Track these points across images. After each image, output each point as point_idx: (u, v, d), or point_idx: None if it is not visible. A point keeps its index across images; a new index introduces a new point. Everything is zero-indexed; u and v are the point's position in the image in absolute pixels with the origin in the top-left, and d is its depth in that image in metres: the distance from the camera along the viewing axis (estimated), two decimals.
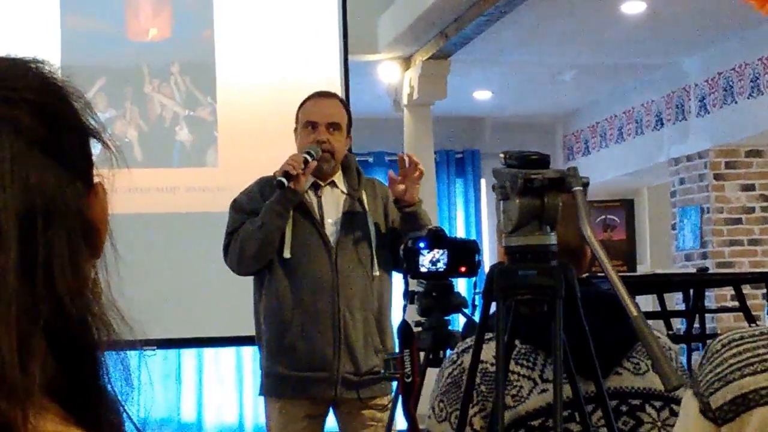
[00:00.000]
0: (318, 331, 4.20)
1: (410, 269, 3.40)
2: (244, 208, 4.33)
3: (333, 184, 4.36)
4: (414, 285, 3.56)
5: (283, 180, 4.12)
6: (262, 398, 4.40)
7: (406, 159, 4.32)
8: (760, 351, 1.76)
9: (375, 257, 4.25)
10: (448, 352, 3.28)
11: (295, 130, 4.45)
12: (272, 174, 4.35)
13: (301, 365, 4.20)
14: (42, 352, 0.88)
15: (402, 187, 4.26)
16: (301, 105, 4.45)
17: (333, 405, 4.30)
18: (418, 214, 4.25)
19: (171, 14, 7.10)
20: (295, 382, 4.21)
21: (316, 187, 4.32)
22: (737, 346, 1.78)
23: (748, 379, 1.74)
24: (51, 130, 0.93)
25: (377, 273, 4.25)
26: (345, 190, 4.34)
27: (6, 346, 0.86)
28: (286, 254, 4.23)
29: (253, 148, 7.02)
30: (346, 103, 4.50)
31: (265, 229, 4.19)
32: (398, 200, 4.27)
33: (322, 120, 4.32)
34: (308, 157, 4.17)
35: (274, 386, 4.30)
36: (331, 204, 4.33)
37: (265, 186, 4.33)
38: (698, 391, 1.78)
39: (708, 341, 1.86)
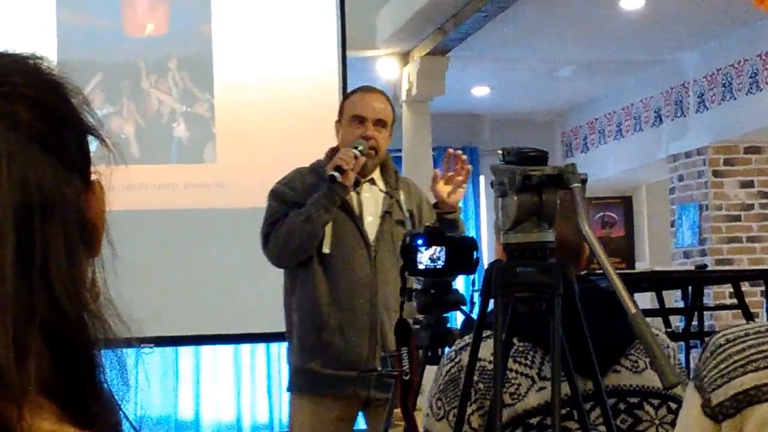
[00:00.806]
0: (355, 330, 4.14)
1: (408, 266, 3.39)
2: (285, 199, 4.26)
3: (372, 181, 4.31)
4: (412, 282, 3.55)
5: (336, 174, 4.06)
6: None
7: (454, 155, 4.26)
8: (764, 347, 1.75)
9: None
10: (447, 349, 3.28)
11: (338, 122, 4.37)
12: (308, 165, 4.32)
13: (336, 363, 4.14)
14: (38, 350, 0.88)
15: (448, 187, 4.21)
16: (347, 97, 4.40)
17: (364, 405, 4.25)
18: (458, 222, 4.22)
19: (168, 9, 7.10)
20: (330, 380, 4.15)
21: (355, 184, 4.25)
22: (742, 342, 1.77)
23: (750, 376, 1.73)
24: (49, 126, 0.93)
25: None
26: (383, 189, 4.30)
27: (2, 344, 0.86)
28: (326, 249, 4.18)
29: (251, 144, 7.02)
30: (390, 99, 4.44)
31: (311, 222, 4.12)
32: (439, 205, 4.22)
33: (371, 115, 4.27)
34: (357, 153, 4.14)
35: (306, 383, 4.23)
36: (370, 202, 4.29)
37: (305, 177, 4.27)
38: (701, 386, 1.78)
39: (707, 337, 1.86)
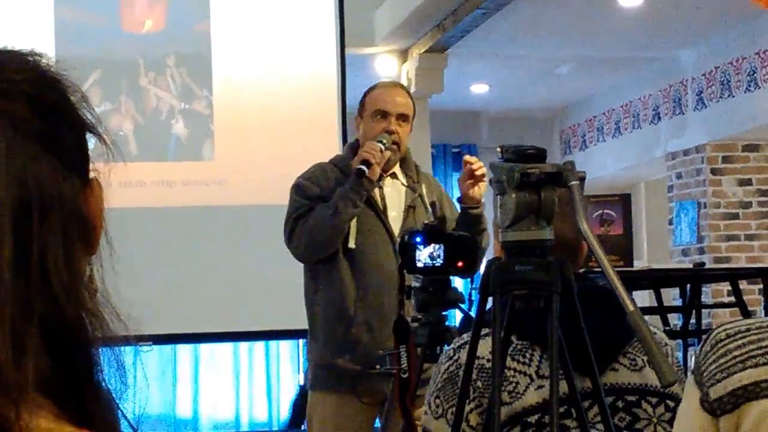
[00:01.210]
0: (382, 326, 4.09)
1: (406, 264, 3.39)
2: (309, 194, 4.23)
3: (393, 175, 4.30)
4: (411, 280, 3.55)
5: (364, 168, 4.04)
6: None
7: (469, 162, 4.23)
8: (764, 343, 1.75)
9: None
10: (445, 347, 3.28)
11: (359, 117, 4.35)
12: (329, 160, 4.31)
13: (363, 360, 4.10)
14: (36, 347, 0.88)
15: (471, 181, 4.19)
16: (368, 93, 4.37)
17: (383, 401, 4.21)
18: (480, 219, 4.21)
19: (166, 6, 7.09)
20: (356, 376, 4.11)
21: (377, 178, 4.23)
22: (742, 337, 1.77)
23: (749, 372, 1.73)
24: (47, 124, 0.93)
25: None
26: (405, 183, 4.29)
27: (0, 342, 0.86)
28: (351, 244, 4.16)
29: (249, 141, 7.02)
30: (410, 93, 4.44)
31: (338, 217, 4.09)
32: (464, 200, 4.20)
33: (394, 110, 4.26)
34: (382, 147, 4.13)
35: (331, 379, 4.19)
36: (394, 196, 4.27)
37: (328, 171, 4.26)
38: (700, 380, 1.78)
39: (709, 330, 1.85)
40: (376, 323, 4.13)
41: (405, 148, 4.30)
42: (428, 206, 4.25)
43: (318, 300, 4.24)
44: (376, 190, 4.24)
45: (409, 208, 4.25)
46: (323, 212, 4.13)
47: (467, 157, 4.24)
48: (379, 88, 4.38)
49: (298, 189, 4.28)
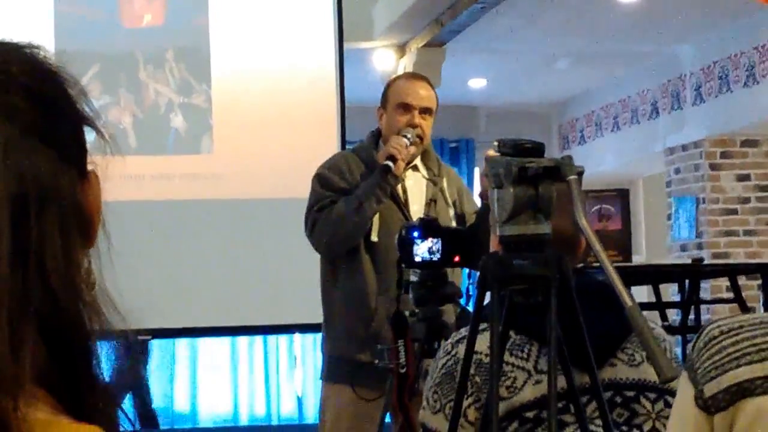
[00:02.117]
0: None
1: (404, 259, 3.39)
2: (332, 186, 4.20)
3: (415, 168, 4.27)
4: (408, 274, 3.55)
5: (391, 164, 4.02)
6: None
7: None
8: (758, 340, 1.75)
9: None
10: (443, 342, 3.28)
11: (382, 108, 4.32)
12: (351, 150, 4.29)
13: (384, 353, 4.10)
14: (33, 340, 0.88)
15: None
16: (390, 85, 4.35)
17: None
18: None
19: (165, 0, 7.09)
20: (375, 370, 4.10)
21: None
22: (736, 334, 1.77)
23: (744, 369, 1.73)
24: (45, 116, 0.93)
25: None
26: (426, 176, 4.27)
27: None
28: (374, 238, 4.12)
29: (248, 135, 7.01)
30: (433, 85, 4.40)
31: (362, 212, 4.06)
32: (482, 195, 4.19)
33: (418, 103, 4.24)
34: (407, 141, 4.11)
35: (348, 373, 4.15)
36: (415, 189, 4.25)
37: (351, 161, 4.23)
38: (694, 377, 1.78)
39: (702, 327, 1.85)
40: None
41: (428, 141, 4.28)
42: (449, 200, 4.23)
43: (337, 293, 4.21)
44: (398, 184, 4.21)
45: (431, 202, 4.22)
46: (347, 206, 4.10)
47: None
48: (403, 80, 4.36)
49: (320, 179, 4.24)
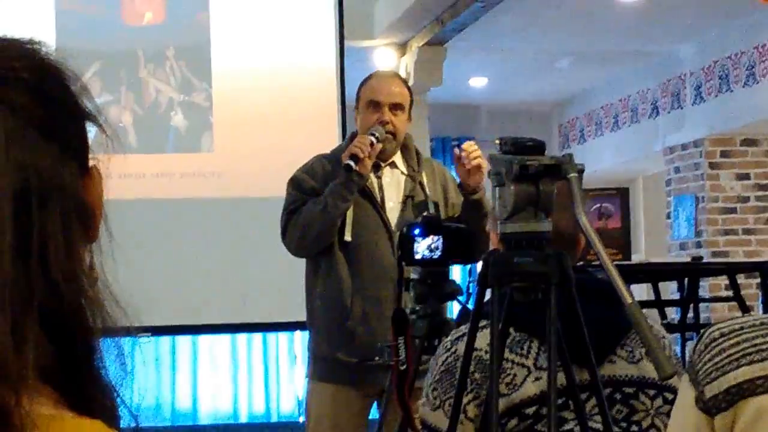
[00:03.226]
0: (379, 318, 4.08)
1: (404, 256, 3.39)
2: (304, 187, 4.22)
3: (393, 164, 4.27)
4: (409, 272, 3.55)
5: (352, 163, 4.02)
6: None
7: (462, 153, 4.20)
8: (758, 341, 1.75)
9: None
10: (443, 339, 3.28)
11: (356, 108, 4.32)
12: (329, 151, 4.31)
13: (360, 352, 4.10)
14: (36, 335, 0.88)
15: (465, 170, 4.16)
16: (363, 84, 4.34)
17: (380, 393, 4.22)
18: (481, 204, 4.18)
19: None
20: (353, 368, 4.12)
21: (376, 168, 4.21)
22: (736, 336, 1.77)
23: (744, 369, 1.73)
24: (47, 111, 0.93)
25: None
26: (405, 171, 4.26)
27: (0, 329, 0.86)
28: (348, 237, 4.14)
29: (248, 133, 7.01)
30: (407, 83, 4.40)
31: (328, 212, 4.08)
32: (463, 186, 4.19)
33: (386, 100, 4.22)
34: (374, 140, 4.11)
35: (327, 371, 4.20)
36: (392, 186, 4.25)
37: (326, 164, 4.24)
38: (695, 379, 1.78)
39: (703, 329, 1.86)
40: (373, 315, 4.12)
41: (402, 137, 4.27)
42: (428, 195, 4.23)
43: (317, 293, 4.23)
44: (375, 181, 4.22)
45: (407, 198, 4.22)
46: (314, 207, 4.13)
47: (464, 145, 4.22)
48: (373, 79, 4.36)
49: (293, 182, 4.27)
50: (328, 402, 4.21)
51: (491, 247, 2.49)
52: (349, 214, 4.14)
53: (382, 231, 4.18)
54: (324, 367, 4.23)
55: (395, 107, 4.22)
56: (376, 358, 4.02)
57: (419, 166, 4.27)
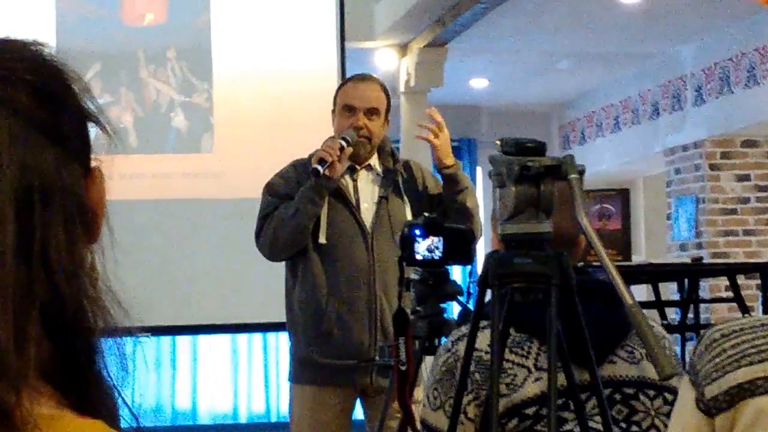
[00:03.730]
0: (354, 319, 4.13)
1: (405, 257, 3.40)
2: (278, 192, 4.26)
3: (369, 167, 4.29)
4: (410, 272, 3.55)
5: (318, 168, 4.04)
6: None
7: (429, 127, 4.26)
8: (758, 342, 1.76)
9: None
10: (443, 340, 3.28)
11: (333, 111, 4.36)
12: (307, 156, 4.33)
13: (336, 353, 4.14)
14: (38, 335, 0.88)
15: (428, 137, 4.21)
16: (340, 87, 4.38)
17: (363, 393, 4.26)
18: (457, 177, 4.21)
19: None
20: (330, 369, 4.15)
21: (351, 171, 4.25)
22: (736, 337, 1.77)
23: (744, 370, 1.74)
24: (49, 112, 0.93)
25: None
26: (381, 173, 4.29)
27: (2, 328, 0.86)
28: (322, 240, 4.17)
29: (248, 134, 7.02)
30: (385, 86, 4.41)
31: (298, 216, 4.12)
32: (438, 165, 4.23)
33: (361, 105, 4.24)
34: (344, 143, 4.11)
35: (306, 373, 4.24)
36: (367, 188, 4.27)
37: (300, 169, 4.26)
38: (695, 381, 1.78)
39: (702, 330, 1.86)
40: (348, 316, 4.16)
41: (378, 140, 4.29)
42: (404, 194, 4.26)
43: (294, 295, 4.28)
44: (350, 184, 4.26)
45: (381, 199, 4.25)
46: (285, 211, 4.16)
47: (430, 113, 4.30)
48: (349, 83, 4.38)
49: (267, 188, 4.32)
50: (308, 404, 4.25)
51: (492, 248, 2.49)
52: (324, 216, 4.18)
53: (356, 232, 4.21)
54: (303, 369, 4.27)
55: (370, 112, 4.25)
56: (355, 361, 4.07)
57: (395, 166, 4.29)
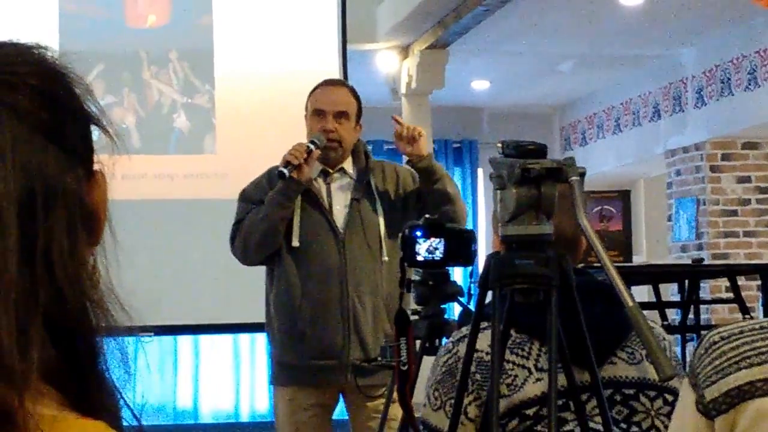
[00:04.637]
0: (327, 319, 4.17)
1: (406, 257, 3.40)
2: (251, 198, 4.31)
3: (342, 171, 4.33)
4: (411, 273, 3.56)
5: (284, 171, 4.09)
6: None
7: (397, 126, 4.32)
8: (758, 344, 1.76)
9: (383, 243, 4.25)
10: (444, 340, 3.29)
11: (305, 116, 4.40)
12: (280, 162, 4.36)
13: (311, 353, 4.17)
14: (40, 337, 0.88)
15: (402, 143, 4.27)
16: (311, 92, 4.41)
17: (343, 393, 4.29)
18: (431, 169, 4.24)
19: (170, 1, 7.10)
20: (305, 370, 4.19)
21: (325, 175, 4.29)
22: (736, 339, 1.78)
23: (744, 372, 1.74)
24: (53, 115, 0.93)
25: (386, 258, 4.23)
26: (354, 176, 4.33)
27: (4, 331, 0.86)
28: (295, 243, 4.21)
29: (250, 135, 7.02)
30: (355, 91, 4.44)
31: (267, 219, 4.17)
32: (409, 159, 4.28)
33: (330, 108, 4.28)
34: (311, 146, 4.15)
35: (283, 375, 4.28)
36: (340, 191, 4.31)
37: (273, 175, 4.29)
38: (695, 383, 1.79)
39: (703, 332, 1.86)
40: (321, 317, 4.19)
41: (349, 143, 4.31)
42: (376, 196, 4.28)
43: (271, 298, 4.31)
44: (323, 187, 4.29)
45: (353, 201, 4.28)
46: (255, 216, 4.21)
47: (395, 118, 4.35)
48: (319, 87, 4.42)
49: (241, 195, 4.37)
50: (288, 405, 4.27)
51: (493, 249, 2.50)
52: (296, 220, 4.22)
53: (329, 234, 4.24)
54: (281, 371, 4.30)
55: (339, 115, 4.29)
56: (330, 361, 4.14)
57: (367, 168, 4.31)
